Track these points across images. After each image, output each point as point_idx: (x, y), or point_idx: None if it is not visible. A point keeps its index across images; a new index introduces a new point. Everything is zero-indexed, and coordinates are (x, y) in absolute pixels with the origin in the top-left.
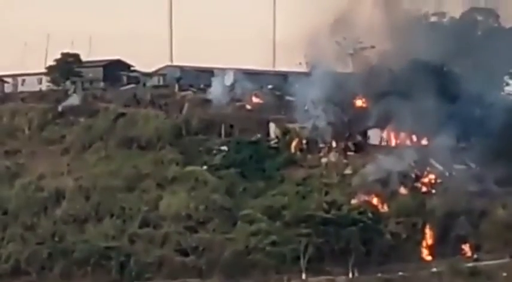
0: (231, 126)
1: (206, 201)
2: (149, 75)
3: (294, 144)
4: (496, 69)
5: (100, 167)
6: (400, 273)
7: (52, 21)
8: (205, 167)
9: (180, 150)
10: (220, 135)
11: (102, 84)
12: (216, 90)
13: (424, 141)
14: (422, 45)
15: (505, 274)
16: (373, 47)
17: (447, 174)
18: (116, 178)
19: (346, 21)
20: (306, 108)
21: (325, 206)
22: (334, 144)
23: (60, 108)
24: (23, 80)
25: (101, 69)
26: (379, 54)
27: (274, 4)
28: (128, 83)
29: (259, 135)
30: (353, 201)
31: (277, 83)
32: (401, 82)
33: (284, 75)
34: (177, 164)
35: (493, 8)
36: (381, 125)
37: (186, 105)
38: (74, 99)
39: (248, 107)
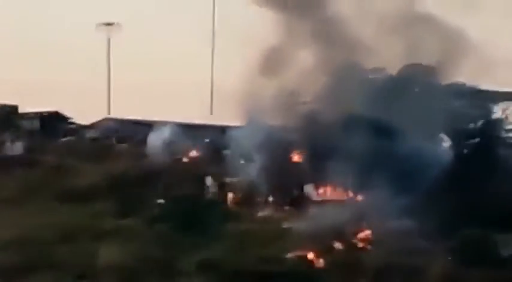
0: (168, 179)
1: (143, 255)
2: (87, 127)
3: (230, 198)
4: (433, 125)
5: (35, 218)
6: None
7: None
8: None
9: (116, 203)
10: (157, 188)
11: (39, 136)
12: (153, 143)
13: (360, 197)
14: (360, 100)
15: None
16: (309, 101)
17: (383, 230)
18: (51, 230)
19: (284, 74)
20: (242, 162)
21: (262, 260)
22: (271, 198)
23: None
24: None
25: (38, 120)
26: (316, 109)
27: (212, 56)
28: (65, 135)
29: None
30: (289, 256)
31: (215, 137)
32: (338, 137)
33: (221, 129)
34: (114, 216)
35: (431, 64)
36: (317, 180)
37: (123, 158)
38: (17, 148)
39: (185, 160)
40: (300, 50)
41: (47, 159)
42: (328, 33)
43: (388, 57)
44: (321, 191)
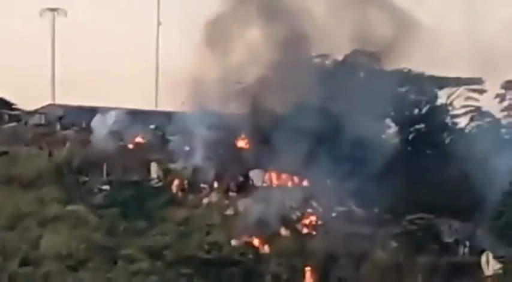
0: (113, 165)
1: (87, 240)
2: (31, 113)
3: (175, 184)
4: (378, 111)
5: None
6: None
7: None
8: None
9: (61, 189)
10: (102, 174)
11: None
12: (98, 130)
13: (306, 183)
14: (305, 86)
15: None
16: (255, 87)
17: (328, 216)
18: None
19: (232, 61)
20: (187, 148)
21: (206, 246)
22: (216, 184)
23: None
24: None
25: None
26: (261, 94)
27: (157, 43)
28: (9, 121)
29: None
30: (234, 242)
31: (160, 123)
32: (283, 123)
33: (167, 115)
34: (58, 202)
35: (375, 50)
36: (263, 166)
37: (68, 144)
38: None
39: (130, 146)
40: (246, 28)
41: None
42: (276, 10)
43: (335, 42)
44: (266, 177)
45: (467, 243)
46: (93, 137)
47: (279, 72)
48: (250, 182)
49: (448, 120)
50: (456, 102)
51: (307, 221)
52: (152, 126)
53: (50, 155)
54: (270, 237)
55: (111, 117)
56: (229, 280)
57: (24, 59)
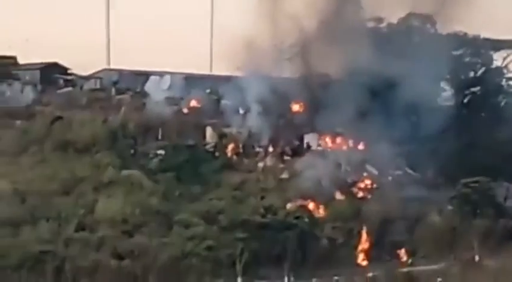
0: (168, 130)
1: (142, 205)
2: (86, 78)
3: (230, 148)
4: (433, 75)
5: (36, 170)
6: (336, 277)
7: None
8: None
9: (116, 154)
10: (157, 139)
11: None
12: (153, 94)
13: (361, 146)
14: (360, 50)
15: (440, 279)
16: (310, 52)
17: (383, 179)
18: (51, 182)
19: (284, 26)
20: (242, 112)
21: (261, 210)
22: (270, 148)
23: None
24: None
25: (38, 72)
26: (315, 58)
27: (211, 7)
28: (65, 87)
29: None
30: (289, 206)
31: (215, 87)
32: (338, 87)
33: (222, 79)
34: (114, 167)
35: (431, 13)
36: (318, 130)
37: (123, 108)
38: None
39: (185, 110)
40: None
41: (46, 111)
42: None
43: (389, 5)
44: (321, 141)
45: None
46: (148, 102)
47: (333, 35)
48: (305, 145)
49: (503, 82)
50: None
51: (362, 185)
52: (207, 91)
53: (105, 120)
54: (325, 201)
55: (166, 81)
56: (285, 244)
57: (78, 24)
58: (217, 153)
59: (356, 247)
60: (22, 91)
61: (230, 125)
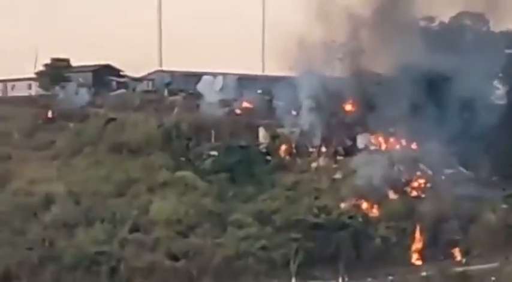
0: (220, 131)
1: (196, 206)
2: (138, 80)
3: (283, 148)
4: (486, 73)
5: (90, 172)
6: (390, 277)
7: (42, 26)
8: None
9: (170, 155)
10: (210, 139)
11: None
12: (206, 95)
13: (414, 146)
14: (412, 49)
15: (493, 279)
16: (362, 51)
17: (437, 178)
18: (106, 183)
19: (336, 25)
20: (294, 112)
21: (315, 210)
22: (323, 148)
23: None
24: (13, 85)
25: (91, 74)
26: (368, 58)
27: (263, 8)
28: (118, 88)
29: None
30: (343, 206)
31: (267, 88)
32: (391, 86)
33: (274, 80)
34: (167, 169)
35: (482, 12)
36: (371, 129)
37: (176, 110)
38: (83, 96)
39: (238, 111)
40: None
41: (99, 113)
42: None
43: (440, 4)
44: (374, 140)
45: None
46: (201, 103)
47: (386, 34)
48: (358, 145)
49: None
50: None
51: (415, 184)
52: (259, 91)
53: (158, 121)
54: (379, 201)
55: (218, 82)
56: (338, 243)
57: (131, 27)
58: (270, 154)
59: (410, 246)
60: (76, 93)
61: (283, 125)
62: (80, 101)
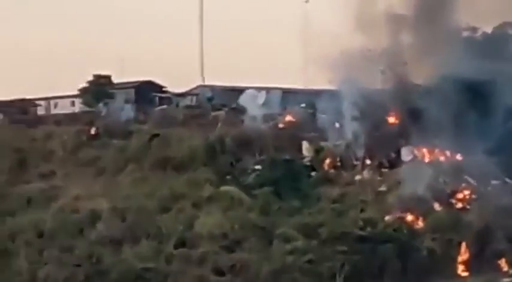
0: (264, 145)
1: (241, 221)
2: (181, 95)
3: (327, 162)
4: None
5: (135, 188)
6: None
7: (84, 43)
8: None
9: (214, 170)
10: (254, 154)
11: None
12: (249, 109)
13: (458, 157)
14: (455, 60)
15: None
16: (404, 63)
17: (482, 189)
18: (151, 199)
19: (377, 36)
20: (338, 125)
21: (360, 223)
22: (368, 161)
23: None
24: (56, 103)
25: (133, 90)
26: (411, 69)
27: (305, 21)
28: (160, 104)
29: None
30: (388, 218)
31: (310, 101)
32: (434, 98)
33: (317, 93)
34: (212, 184)
35: None
36: (415, 141)
37: (219, 124)
38: (128, 112)
39: (281, 125)
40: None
41: (143, 129)
42: None
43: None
44: (418, 152)
45: None
46: (244, 117)
47: (428, 44)
48: (402, 157)
49: None
50: None
51: (460, 195)
52: (302, 105)
53: (202, 136)
54: (424, 212)
55: (261, 96)
56: (384, 256)
57: (173, 42)
58: (314, 167)
59: (456, 258)
60: (118, 110)
61: (326, 138)
62: (125, 116)
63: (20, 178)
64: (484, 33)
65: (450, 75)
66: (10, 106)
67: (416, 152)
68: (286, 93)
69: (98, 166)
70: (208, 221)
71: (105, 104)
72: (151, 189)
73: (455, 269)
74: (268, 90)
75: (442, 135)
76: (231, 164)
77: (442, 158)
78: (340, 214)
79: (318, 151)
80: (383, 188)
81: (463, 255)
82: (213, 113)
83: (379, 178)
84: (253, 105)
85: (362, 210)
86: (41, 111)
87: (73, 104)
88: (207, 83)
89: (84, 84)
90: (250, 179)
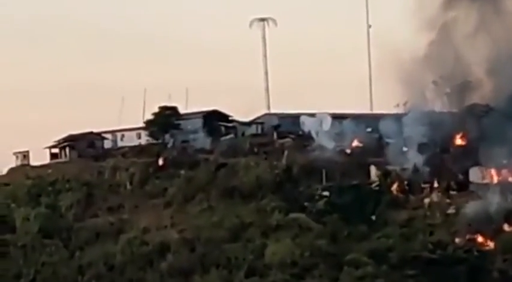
0: (331, 171)
1: (311, 248)
2: (247, 124)
3: (395, 186)
4: None
5: (203, 218)
6: None
7: (148, 74)
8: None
9: (282, 198)
10: (321, 180)
11: (202, 135)
12: (315, 136)
13: None
14: None
15: None
16: (469, 84)
17: None
18: (219, 228)
19: (442, 59)
20: (405, 149)
21: (430, 246)
22: (436, 184)
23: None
24: (122, 135)
25: (200, 120)
26: (476, 91)
27: (368, 46)
28: (227, 133)
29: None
30: (458, 240)
31: (376, 126)
32: (500, 118)
33: (383, 118)
34: (280, 211)
35: None
36: (483, 163)
37: (286, 152)
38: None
39: (348, 151)
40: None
41: (211, 158)
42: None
43: None
44: (486, 173)
45: None
46: (311, 144)
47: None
48: (471, 179)
49: None
50: None
51: None
52: (369, 129)
53: (269, 164)
54: (494, 234)
55: (326, 122)
56: (455, 278)
57: (237, 71)
58: (382, 192)
59: None
60: (184, 141)
61: (394, 162)
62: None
63: (88, 212)
64: None
65: None
66: (79, 140)
67: (485, 173)
68: (353, 118)
69: (166, 197)
70: (278, 249)
71: (172, 135)
72: (220, 218)
73: None
74: (333, 115)
75: (510, 155)
76: (299, 191)
77: (510, 179)
78: (409, 238)
79: (385, 175)
80: (452, 211)
81: None
82: (279, 141)
83: (447, 200)
84: (319, 132)
85: (431, 233)
86: (107, 144)
87: (139, 136)
88: (273, 111)
89: (150, 116)
90: (319, 205)
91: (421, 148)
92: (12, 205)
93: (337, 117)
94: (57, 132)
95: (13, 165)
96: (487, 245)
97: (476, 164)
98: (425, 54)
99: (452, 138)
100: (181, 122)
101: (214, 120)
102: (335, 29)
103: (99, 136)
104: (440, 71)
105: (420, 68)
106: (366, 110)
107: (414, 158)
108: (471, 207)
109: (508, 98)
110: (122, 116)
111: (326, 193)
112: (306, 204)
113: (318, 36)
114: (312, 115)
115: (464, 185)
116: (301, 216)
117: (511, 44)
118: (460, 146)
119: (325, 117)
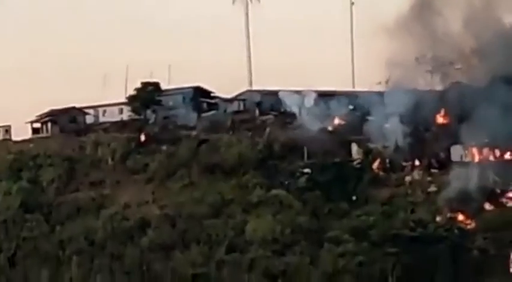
0: (313, 148)
1: (292, 225)
2: (229, 101)
3: (376, 164)
4: None
5: (184, 194)
6: None
7: (131, 51)
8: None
9: (263, 175)
10: (302, 157)
11: (183, 111)
12: (297, 113)
13: (508, 156)
14: (505, 60)
15: None
16: (452, 63)
17: None
18: (200, 205)
19: (425, 38)
20: (387, 127)
21: (411, 224)
22: (417, 162)
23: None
24: (104, 111)
25: (181, 96)
26: (459, 70)
27: (351, 23)
28: (209, 110)
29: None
30: (438, 219)
31: (358, 104)
32: (483, 98)
33: (364, 95)
34: (261, 188)
35: None
36: (464, 141)
37: (268, 129)
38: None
39: (329, 128)
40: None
41: (192, 134)
42: None
43: None
44: (468, 152)
45: None
46: (292, 121)
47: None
48: (452, 157)
49: None
50: None
51: (511, 194)
52: (351, 107)
53: (251, 141)
54: (475, 213)
55: (309, 100)
56: (436, 257)
57: (219, 47)
58: (363, 169)
59: (508, 257)
60: (166, 117)
61: (375, 140)
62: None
63: (70, 187)
64: None
65: (500, 75)
66: (61, 115)
67: (466, 151)
68: (334, 95)
69: (147, 173)
70: (259, 226)
71: (154, 111)
72: (201, 194)
73: (508, 267)
74: (315, 92)
75: (491, 134)
76: (280, 167)
77: (492, 158)
78: (390, 216)
79: (367, 153)
80: (433, 189)
81: None
82: (261, 118)
83: (428, 179)
84: (301, 109)
85: (412, 211)
86: (89, 119)
87: (121, 111)
88: (254, 87)
89: (132, 92)
90: (300, 182)
91: (403, 126)
92: None
93: (319, 95)
94: (39, 107)
95: None
96: (468, 224)
97: (458, 142)
98: (408, 31)
99: (434, 116)
100: (163, 98)
101: (196, 96)
102: (318, 6)
103: (81, 111)
104: (423, 48)
105: (403, 45)
106: (348, 88)
107: (396, 136)
108: (452, 186)
109: (492, 76)
110: (104, 93)
111: (307, 170)
112: (287, 181)
113: (300, 12)
114: (295, 92)
115: (445, 164)
116: (282, 193)
117: (497, 21)
118: (442, 125)
119: (309, 93)
